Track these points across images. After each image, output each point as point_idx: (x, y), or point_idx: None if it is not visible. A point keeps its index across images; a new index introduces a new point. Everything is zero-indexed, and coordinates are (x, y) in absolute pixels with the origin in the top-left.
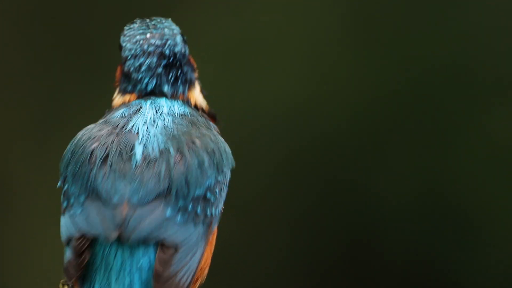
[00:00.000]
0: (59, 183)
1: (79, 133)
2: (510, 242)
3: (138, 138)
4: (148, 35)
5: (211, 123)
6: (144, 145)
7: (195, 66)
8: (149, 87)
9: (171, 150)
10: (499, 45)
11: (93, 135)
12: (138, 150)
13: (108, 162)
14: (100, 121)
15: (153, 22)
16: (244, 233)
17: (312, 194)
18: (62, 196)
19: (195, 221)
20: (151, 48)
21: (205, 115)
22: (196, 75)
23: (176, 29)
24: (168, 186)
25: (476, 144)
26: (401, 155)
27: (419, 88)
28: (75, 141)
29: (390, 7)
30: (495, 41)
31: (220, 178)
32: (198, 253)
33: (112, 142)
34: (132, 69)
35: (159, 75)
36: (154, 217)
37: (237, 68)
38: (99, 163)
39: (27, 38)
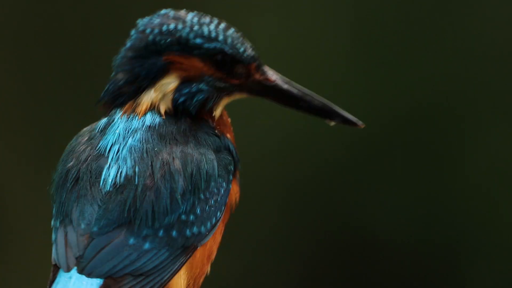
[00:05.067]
0: None
1: (76, 135)
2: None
3: (108, 161)
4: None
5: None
6: (113, 169)
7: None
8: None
9: (141, 177)
10: (499, 70)
11: (74, 148)
12: (107, 175)
13: (78, 186)
14: (93, 125)
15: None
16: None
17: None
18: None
19: (170, 244)
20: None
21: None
22: (171, 76)
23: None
24: (133, 216)
25: (472, 168)
26: (399, 178)
27: (415, 118)
28: (66, 148)
29: (391, 37)
30: (495, 65)
31: (203, 196)
32: (171, 274)
33: (85, 161)
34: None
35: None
36: (112, 247)
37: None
38: (70, 186)
39: (24, 65)
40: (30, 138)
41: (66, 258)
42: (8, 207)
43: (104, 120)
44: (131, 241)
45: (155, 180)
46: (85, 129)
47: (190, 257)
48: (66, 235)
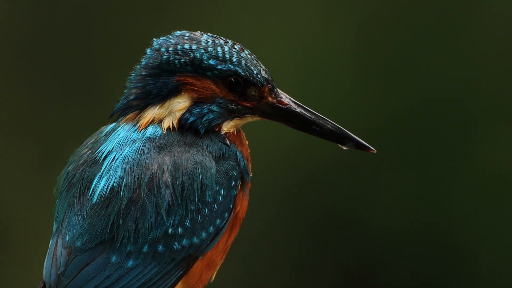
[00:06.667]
0: None
1: (91, 135)
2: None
3: (101, 168)
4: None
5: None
6: (104, 179)
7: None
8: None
9: (128, 190)
10: (493, 81)
11: (79, 151)
12: (97, 185)
13: (69, 193)
14: (105, 127)
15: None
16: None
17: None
18: None
19: (157, 260)
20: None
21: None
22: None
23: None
24: (116, 232)
25: (467, 173)
26: (396, 183)
27: (411, 121)
28: (77, 148)
29: (395, 40)
30: (490, 77)
31: (194, 207)
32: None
33: (81, 166)
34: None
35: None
36: (93, 265)
37: None
38: (64, 192)
39: (27, 78)
40: (31, 142)
41: (50, 275)
42: (9, 212)
43: (112, 125)
44: (114, 258)
45: (142, 194)
46: (100, 129)
47: (190, 268)
48: (56, 245)
